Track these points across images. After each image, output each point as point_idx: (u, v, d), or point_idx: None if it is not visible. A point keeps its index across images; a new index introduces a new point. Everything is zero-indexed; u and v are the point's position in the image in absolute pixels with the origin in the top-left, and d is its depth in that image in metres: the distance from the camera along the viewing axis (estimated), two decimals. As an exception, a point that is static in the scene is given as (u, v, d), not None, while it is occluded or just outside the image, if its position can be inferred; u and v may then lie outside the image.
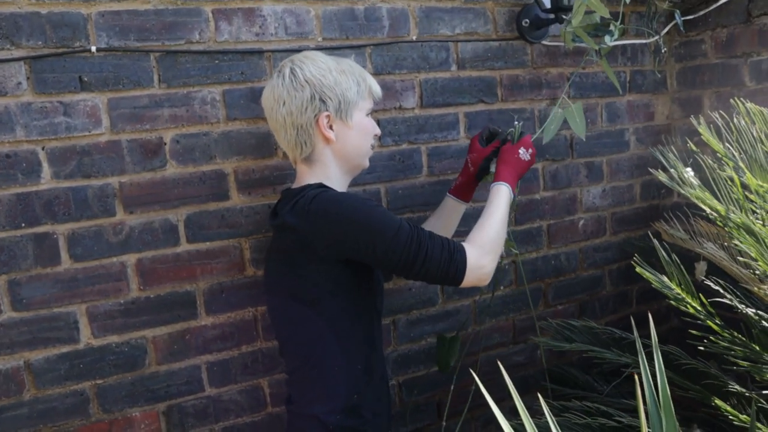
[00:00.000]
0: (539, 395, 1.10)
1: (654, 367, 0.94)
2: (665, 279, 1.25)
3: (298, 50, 1.44)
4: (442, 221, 1.48)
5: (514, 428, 1.48)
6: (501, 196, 1.27)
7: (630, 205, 2.00)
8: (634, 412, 1.64)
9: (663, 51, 1.92)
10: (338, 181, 1.26)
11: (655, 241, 1.22)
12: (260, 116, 1.40)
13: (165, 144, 1.35)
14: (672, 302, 1.29)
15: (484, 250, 1.17)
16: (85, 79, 1.28)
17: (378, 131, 1.30)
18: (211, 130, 1.39)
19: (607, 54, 1.84)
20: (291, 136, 1.22)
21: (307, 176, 1.25)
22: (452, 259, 1.13)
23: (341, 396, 1.21)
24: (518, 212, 1.79)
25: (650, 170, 1.59)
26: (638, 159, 1.99)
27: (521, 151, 1.34)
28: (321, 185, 1.21)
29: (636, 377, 0.81)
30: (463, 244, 1.18)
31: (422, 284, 1.68)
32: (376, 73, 1.54)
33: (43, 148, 1.27)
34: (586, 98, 1.87)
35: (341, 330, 1.20)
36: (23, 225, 1.27)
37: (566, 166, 1.87)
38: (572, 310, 1.94)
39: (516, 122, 1.43)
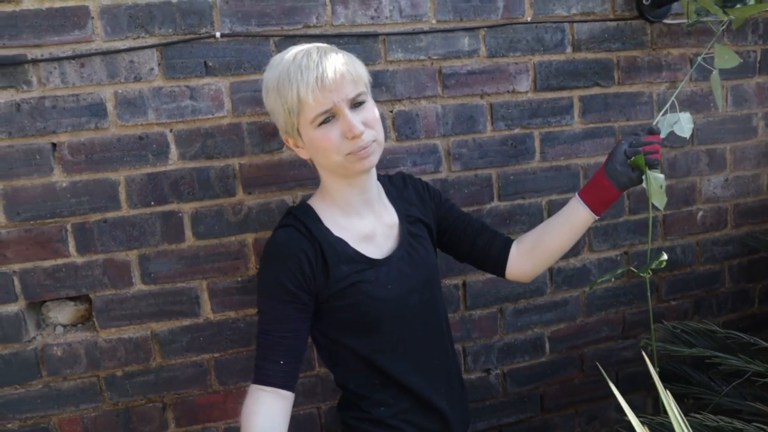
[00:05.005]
0: (668, 392, 1.04)
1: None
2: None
3: (412, 33, 1.44)
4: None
5: (629, 426, 1.41)
6: None
7: (755, 196, 1.86)
8: (760, 416, 1.53)
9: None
10: (337, 191, 1.15)
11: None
12: (377, 99, 1.40)
13: (282, 127, 1.39)
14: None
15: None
16: (210, 64, 1.33)
17: (353, 131, 1.04)
18: (325, 113, 1.41)
19: (737, 30, 1.72)
20: None
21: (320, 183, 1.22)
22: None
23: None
24: (632, 202, 1.71)
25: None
26: (766, 147, 1.84)
27: None
28: (292, 213, 1.16)
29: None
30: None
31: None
32: (489, 56, 1.51)
33: (171, 130, 1.33)
34: (708, 81, 1.74)
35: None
36: (152, 203, 1.34)
37: (685, 154, 1.75)
38: (686, 307, 1.83)
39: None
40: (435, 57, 1.47)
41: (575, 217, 1.21)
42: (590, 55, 1.60)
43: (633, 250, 1.73)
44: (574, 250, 1.67)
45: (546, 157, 1.60)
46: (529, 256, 1.26)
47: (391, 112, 1.46)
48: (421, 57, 1.46)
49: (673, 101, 1.31)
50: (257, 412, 1.06)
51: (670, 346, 1.56)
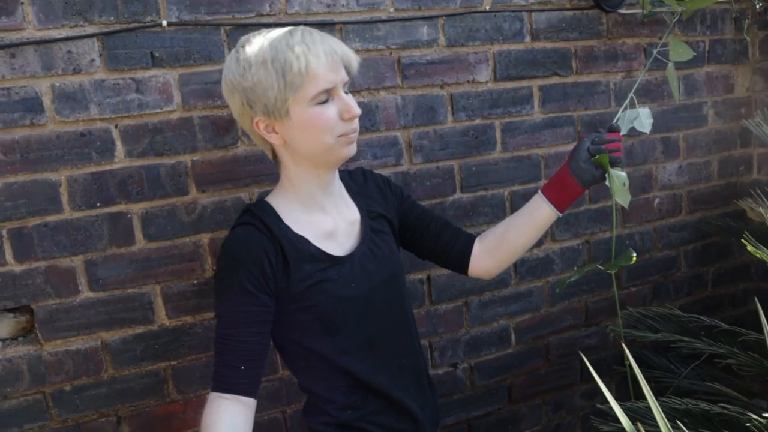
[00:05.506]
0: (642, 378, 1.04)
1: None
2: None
3: (370, 22, 1.40)
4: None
5: (603, 411, 1.41)
6: None
7: (707, 182, 1.91)
8: (718, 395, 1.57)
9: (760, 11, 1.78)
10: (303, 183, 1.10)
11: None
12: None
13: (236, 120, 1.32)
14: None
15: None
16: (157, 54, 1.25)
17: (353, 112, 1.04)
18: (282, 106, 1.35)
19: (687, 21, 1.76)
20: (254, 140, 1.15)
21: (279, 179, 1.15)
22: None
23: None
24: (592, 191, 1.72)
25: None
26: (716, 134, 1.89)
27: None
28: (250, 211, 1.10)
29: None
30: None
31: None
32: (448, 45, 1.48)
33: (116, 126, 1.25)
34: (662, 70, 1.77)
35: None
36: (98, 204, 1.25)
37: (642, 142, 1.78)
38: (645, 293, 1.86)
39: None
40: (393, 46, 1.43)
41: (539, 214, 1.20)
42: (548, 45, 1.60)
43: (594, 238, 1.74)
44: (537, 242, 1.67)
45: (507, 148, 1.59)
46: (493, 253, 1.25)
47: (350, 103, 1.42)
48: (380, 46, 1.42)
49: (632, 97, 1.32)
50: (218, 421, 1.01)
51: (635, 332, 1.58)
